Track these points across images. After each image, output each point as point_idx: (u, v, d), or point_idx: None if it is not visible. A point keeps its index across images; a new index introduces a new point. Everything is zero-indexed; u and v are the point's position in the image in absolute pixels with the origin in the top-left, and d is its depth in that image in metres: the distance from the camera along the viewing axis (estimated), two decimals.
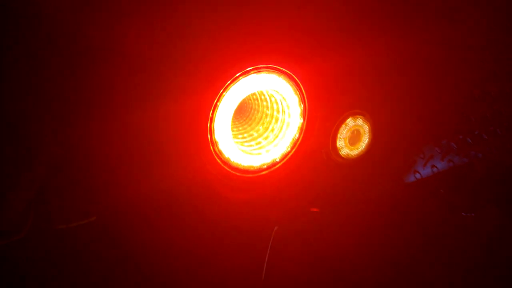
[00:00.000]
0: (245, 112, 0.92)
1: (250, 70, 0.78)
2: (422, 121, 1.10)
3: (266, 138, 0.89)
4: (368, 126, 0.97)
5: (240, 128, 0.93)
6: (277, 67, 0.81)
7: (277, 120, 0.89)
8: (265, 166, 0.89)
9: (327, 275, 1.87)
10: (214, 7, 0.79)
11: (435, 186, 1.70)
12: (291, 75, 0.83)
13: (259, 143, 0.90)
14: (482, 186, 1.60)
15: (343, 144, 0.95)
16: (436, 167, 1.19)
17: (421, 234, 2.04)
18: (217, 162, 0.82)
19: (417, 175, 1.15)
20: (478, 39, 1.13)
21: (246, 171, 0.87)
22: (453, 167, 1.26)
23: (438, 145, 1.15)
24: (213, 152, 0.80)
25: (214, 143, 0.79)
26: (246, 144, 0.89)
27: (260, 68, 0.79)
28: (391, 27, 0.99)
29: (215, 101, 0.77)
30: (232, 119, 0.84)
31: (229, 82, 0.77)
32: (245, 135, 0.92)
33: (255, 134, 0.91)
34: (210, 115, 0.77)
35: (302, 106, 0.86)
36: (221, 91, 0.77)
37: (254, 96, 0.89)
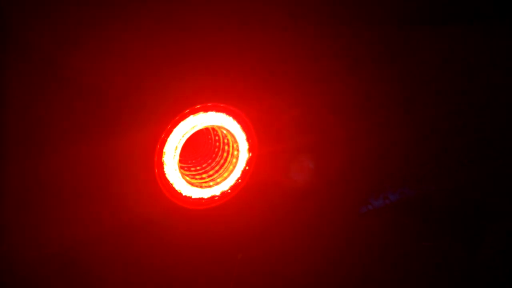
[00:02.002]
0: (197, 146, 0.96)
1: (198, 108, 0.83)
2: (375, 155, 1.17)
3: (216, 170, 0.94)
4: (317, 158, 1.03)
5: (194, 161, 0.97)
6: (225, 106, 0.86)
7: (227, 153, 0.93)
8: (216, 198, 0.93)
9: None
10: (168, 49, 0.84)
11: (397, 214, 1.76)
12: (239, 114, 0.88)
13: (210, 175, 0.94)
14: (442, 217, 1.66)
15: (292, 176, 1.01)
16: (389, 199, 1.24)
17: (378, 260, 2.09)
18: (166, 196, 0.86)
19: (369, 206, 1.20)
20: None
21: (197, 203, 0.91)
22: (406, 198, 1.31)
23: (390, 178, 1.21)
24: (161, 186, 0.84)
25: (162, 176, 0.83)
26: (197, 177, 0.93)
27: (208, 106, 0.84)
28: (340, 66, 1.06)
29: (163, 135, 0.81)
30: (183, 153, 0.88)
31: (177, 118, 0.82)
32: (198, 167, 0.96)
33: (207, 167, 0.95)
34: (158, 149, 0.81)
35: (250, 141, 0.92)
36: (169, 126, 0.82)
37: (206, 131, 0.93)
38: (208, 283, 1.92)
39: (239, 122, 0.89)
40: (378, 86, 1.12)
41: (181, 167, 0.89)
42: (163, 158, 0.83)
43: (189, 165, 0.96)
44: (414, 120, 1.26)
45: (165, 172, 0.83)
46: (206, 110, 0.84)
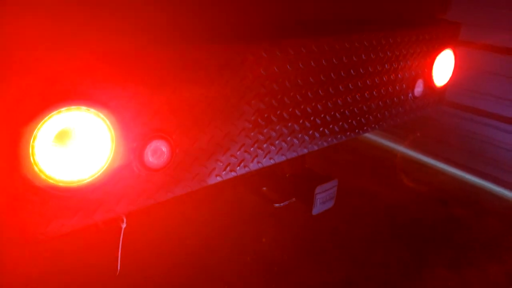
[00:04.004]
0: (71, 136, 1.19)
1: (63, 110, 1.08)
2: (219, 138, 1.51)
3: (85, 157, 1.19)
4: (169, 145, 1.34)
5: (70, 150, 1.20)
6: (86, 108, 1.12)
7: (91, 142, 1.19)
8: (86, 177, 1.19)
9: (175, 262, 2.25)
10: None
11: (257, 184, 2.17)
12: (99, 113, 1.15)
13: (81, 161, 1.19)
14: (288, 183, 2.11)
15: (149, 160, 1.30)
16: (235, 171, 1.61)
17: (240, 223, 2.54)
18: (43, 178, 1.10)
19: (218, 178, 1.55)
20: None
21: (70, 182, 1.16)
22: (251, 171, 1.69)
23: (233, 155, 1.57)
24: (38, 172, 1.08)
25: (36, 163, 1.07)
26: (71, 163, 1.18)
27: (71, 108, 1.09)
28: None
29: (34, 131, 1.05)
30: (58, 142, 1.12)
31: (46, 118, 1.06)
32: (72, 155, 1.20)
33: (79, 155, 1.20)
34: (31, 142, 1.05)
35: (110, 132, 1.19)
36: (39, 124, 1.06)
37: (76, 124, 1.17)
38: (95, 254, 2.17)
39: (100, 117, 1.15)
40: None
41: (56, 156, 1.14)
42: (35, 150, 1.07)
43: (64, 153, 1.19)
44: None
45: (37, 161, 1.07)
46: (69, 110, 1.09)
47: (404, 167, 3.84)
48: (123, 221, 1.80)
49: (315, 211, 1.91)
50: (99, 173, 1.21)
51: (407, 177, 3.69)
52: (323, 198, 1.91)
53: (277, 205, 2.07)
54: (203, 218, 2.63)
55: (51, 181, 1.12)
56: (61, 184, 1.15)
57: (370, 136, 4.19)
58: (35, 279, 2.06)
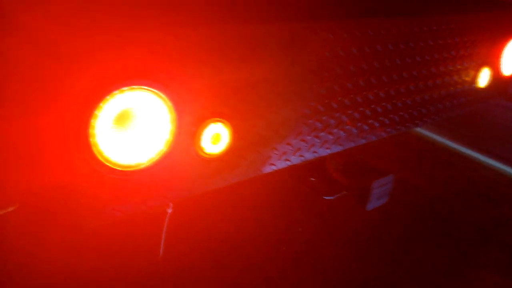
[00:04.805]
0: (131, 117, 1.12)
1: (125, 89, 1.01)
2: (276, 124, 1.41)
3: (143, 140, 1.12)
4: (228, 129, 1.25)
5: (127, 132, 1.14)
6: (148, 88, 1.04)
7: (151, 125, 1.12)
8: (143, 161, 1.12)
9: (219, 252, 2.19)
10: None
11: (305, 175, 2.07)
12: (160, 93, 1.07)
13: (139, 144, 1.12)
14: (339, 175, 2.00)
15: (207, 145, 1.22)
16: (290, 160, 1.51)
17: (287, 211, 2.45)
18: (101, 160, 1.03)
19: (273, 167, 1.46)
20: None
21: (127, 166, 1.10)
22: (305, 160, 1.59)
23: (289, 144, 1.47)
24: (94, 153, 1.01)
25: (94, 145, 1.00)
26: (128, 145, 1.11)
27: (134, 88, 1.02)
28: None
29: (95, 111, 0.98)
30: (118, 124, 1.05)
31: (107, 97, 0.99)
32: (130, 137, 1.13)
33: (137, 137, 1.13)
34: (91, 123, 0.98)
35: (171, 114, 1.11)
36: (101, 103, 0.98)
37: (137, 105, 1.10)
38: (140, 237, 2.13)
39: (161, 98, 1.07)
40: None
41: (116, 137, 1.07)
42: (95, 130, 1.00)
43: (123, 136, 1.12)
44: None
45: (97, 142, 1.01)
46: (132, 89, 1.02)
47: (451, 161, 3.64)
48: (169, 206, 1.75)
49: (370, 206, 1.80)
50: (157, 158, 1.13)
51: (454, 172, 3.50)
52: (379, 194, 1.79)
53: (327, 197, 1.96)
54: (241, 203, 2.55)
55: (108, 164, 1.06)
56: (118, 168, 1.08)
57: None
58: (78, 261, 2.06)
